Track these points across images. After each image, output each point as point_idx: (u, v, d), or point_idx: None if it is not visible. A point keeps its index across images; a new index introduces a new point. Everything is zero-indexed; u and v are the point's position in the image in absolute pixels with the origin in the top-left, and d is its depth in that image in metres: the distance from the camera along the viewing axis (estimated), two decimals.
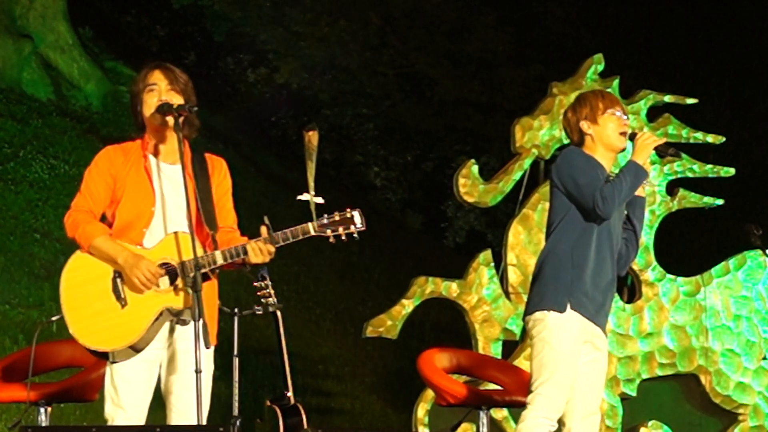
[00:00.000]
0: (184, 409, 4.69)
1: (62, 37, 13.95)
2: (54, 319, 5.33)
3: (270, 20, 16.67)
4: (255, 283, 6.39)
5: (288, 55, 17.10)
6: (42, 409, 5.97)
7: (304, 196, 4.73)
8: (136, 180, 4.71)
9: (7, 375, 6.03)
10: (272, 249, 4.66)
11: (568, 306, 5.00)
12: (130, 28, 19.32)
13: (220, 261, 4.64)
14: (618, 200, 5.01)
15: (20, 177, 11.68)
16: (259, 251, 4.65)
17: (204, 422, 4.48)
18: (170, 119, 4.70)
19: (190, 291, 4.56)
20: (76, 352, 5.68)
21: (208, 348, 4.48)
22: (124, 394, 4.66)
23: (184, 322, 4.67)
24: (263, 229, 4.66)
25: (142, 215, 4.69)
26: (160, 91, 4.75)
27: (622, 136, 5.15)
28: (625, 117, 5.18)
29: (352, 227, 4.72)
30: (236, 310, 5.81)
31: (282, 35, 16.71)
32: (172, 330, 4.70)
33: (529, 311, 5.12)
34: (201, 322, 4.43)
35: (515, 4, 16.29)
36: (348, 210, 4.74)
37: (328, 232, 4.70)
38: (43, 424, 5.92)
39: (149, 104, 4.75)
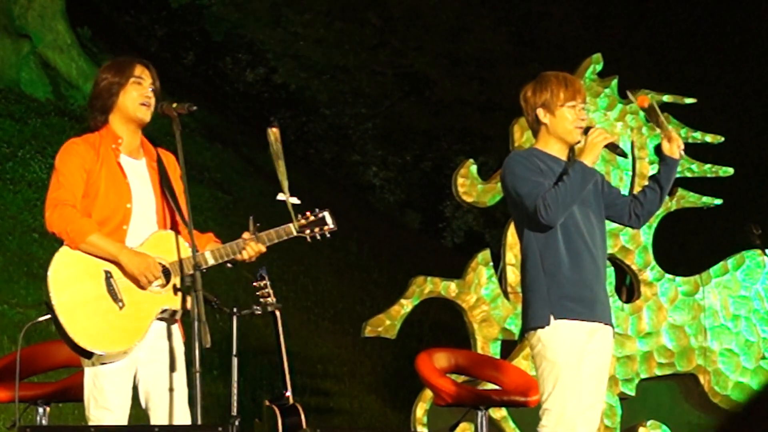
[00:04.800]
0: (170, 407, 4.66)
1: (61, 36, 13.94)
2: (42, 319, 5.17)
3: (268, 21, 16.67)
4: (254, 283, 6.40)
5: (286, 56, 17.11)
6: (40, 409, 5.96)
7: (281, 197, 4.81)
8: (109, 176, 4.68)
9: (5, 375, 6.01)
10: (263, 249, 4.78)
11: (551, 317, 4.87)
12: (128, 27, 19.33)
13: (211, 261, 4.68)
14: (563, 206, 4.83)
15: (19, 177, 11.67)
16: (254, 251, 4.74)
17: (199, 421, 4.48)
18: (149, 111, 4.74)
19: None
20: (74, 352, 5.65)
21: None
22: (111, 395, 4.61)
23: (171, 322, 4.70)
24: (251, 230, 4.76)
25: (117, 212, 4.66)
26: (144, 86, 4.76)
27: (578, 129, 4.96)
28: (584, 109, 4.99)
29: (325, 228, 4.90)
30: (235, 310, 5.80)
31: (280, 35, 16.71)
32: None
33: (523, 328, 5.04)
34: (200, 321, 4.44)
35: (514, 4, 16.29)
36: (318, 211, 4.91)
37: (307, 232, 4.87)
38: (42, 424, 5.91)
39: (132, 96, 4.73)
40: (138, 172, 4.77)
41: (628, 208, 5.15)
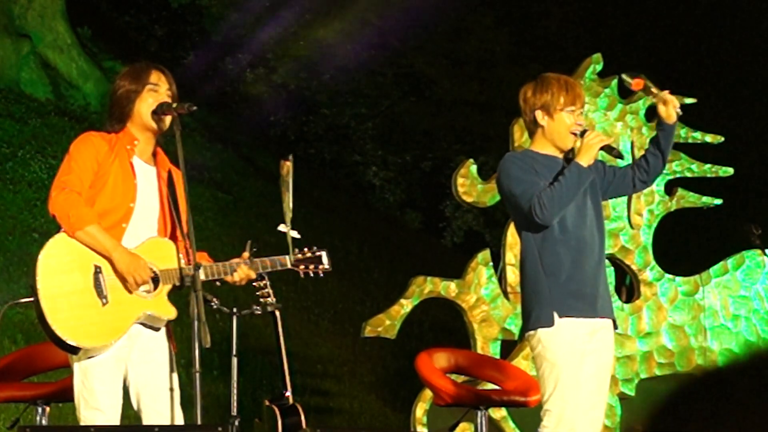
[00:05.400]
0: (162, 408, 4.66)
1: (61, 36, 13.94)
2: (24, 300, 5.14)
3: (268, 21, 16.69)
4: (254, 283, 6.40)
5: (285, 56, 17.11)
6: (40, 409, 5.96)
7: (282, 228, 4.84)
8: (119, 172, 4.69)
9: (5, 375, 6.02)
10: (253, 275, 4.84)
11: (556, 316, 4.88)
12: (128, 27, 19.31)
13: (202, 276, 4.67)
14: (558, 205, 4.85)
15: (19, 177, 11.67)
16: (244, 274, 4.78)
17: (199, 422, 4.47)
18: (167, 118, 4.73)
19: (171, 297, 4.64)
20: (50, 341, 5.58)
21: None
22: (101, 395, 4.59)
23: (156, 329, 4.70)
24: (247, 253, 4.80)
25: (119, 208, 4.67)
26: (161, 93, 4.76)
27: (573, 136, 4.98)
28: (582, 115, 5.01)
29: (320, 267, 4.95)
30: (235, 310, 5.80)
31: (280, 35, 16.73)
32: (137, 329, 4.68)
33: (524, 329, 5.04)
34: (199, 322, 4.44)
35: (514, 4, 16.30)
36: (316, 249, 4.95)
37: (301, 267, 4.93)
38: (42, 424, 5.91)
39: (148, 102, 4.75)
40: (147, 177, 4.77)
41: (630, 178, 5.15)
